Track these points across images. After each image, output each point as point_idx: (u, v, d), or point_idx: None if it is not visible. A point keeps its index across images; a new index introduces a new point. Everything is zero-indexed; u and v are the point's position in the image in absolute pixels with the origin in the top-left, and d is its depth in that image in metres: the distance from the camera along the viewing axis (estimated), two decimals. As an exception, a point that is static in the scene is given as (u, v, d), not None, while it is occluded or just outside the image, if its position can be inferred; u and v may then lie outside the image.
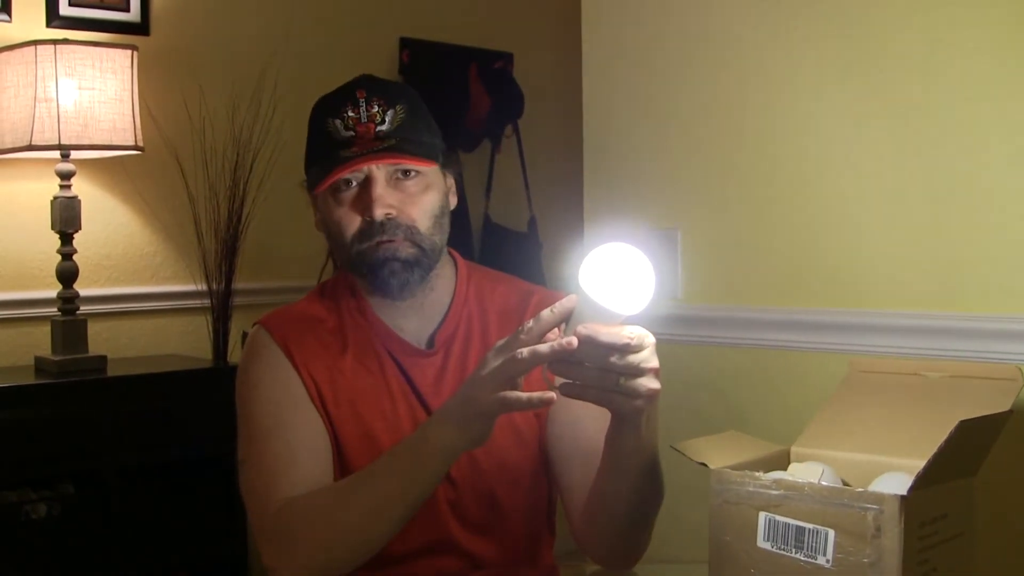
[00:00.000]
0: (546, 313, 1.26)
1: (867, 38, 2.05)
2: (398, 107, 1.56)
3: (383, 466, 1.42)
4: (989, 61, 1.91)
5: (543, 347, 1.24)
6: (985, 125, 1.91)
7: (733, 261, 2.27)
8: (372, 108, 1.55)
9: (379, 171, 1.52)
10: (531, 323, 1.26)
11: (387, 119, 1.54)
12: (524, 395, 1.27)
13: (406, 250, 1.53)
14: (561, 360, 1.25)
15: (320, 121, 1.57)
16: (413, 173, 1.54)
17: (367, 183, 1.52)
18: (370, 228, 1.52)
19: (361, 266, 1.55)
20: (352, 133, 1.53)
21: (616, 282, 1.22)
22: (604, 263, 1.23)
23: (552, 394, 1.26)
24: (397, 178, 1.54)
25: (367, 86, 1.57)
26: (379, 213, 1.51)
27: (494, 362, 1.28)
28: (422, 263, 1.55)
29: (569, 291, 1.26)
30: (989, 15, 1.91)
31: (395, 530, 1.43)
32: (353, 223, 1.54)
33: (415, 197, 1.54)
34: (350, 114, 1.54)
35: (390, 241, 1.52)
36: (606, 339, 1.22)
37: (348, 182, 1.53)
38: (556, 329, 1.27)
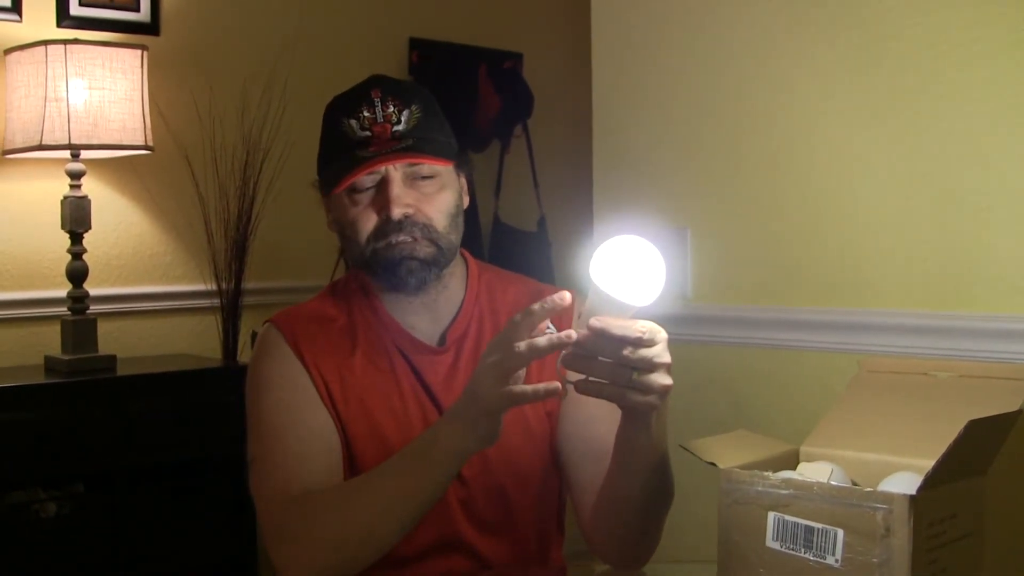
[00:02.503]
0: (536, 307, 1.25)
1: (875, 38, 2.04)
2: (413, 107, 1.56)
3: (393, 466, 1.42)
4: (997, 61, 1.90)
5: (541, 340, 1.24)
6: (994, 124, 1.91)
7: (743, 261, 2.27)
8: (388, 108, 1.55)
9: (396, 171, 1.52)
10: (518, 317, 1.26)
11: (403, 119, 1.55)
12: (528, 387, 1.27)
13: (424, 249, 1.54)
14: (574, 355, 1.25)
15: (335, 121, 1.57)
16: (429, 173, 1.55)
17: (384, 183, 1.53)
18: (387, 227, 1.52)
19: (377, 265, 1.55)
20: (368, 133, 1.54)
21: (627, 274, 1.22)
22: (615, 255, 1.22)
23: (557, 384, 1.26)
24: (413, 178, 1.54)
25: (382, 86, 1.57)
26: (397, 212, 1.51)
27: (491, 358, 1.28)
28: (439, 261, 1.56)
29: (580, 287, 1.26)
30: (997, 15, 1.90)
31: (404, 531, 1.43)
32: (369, 222, 1.54)
33: (431, 196, 1.55)
34: (366, 114, 1.54)
35: (406, 240, 1.52)
36: (619, 332, 1.21)
37: (364, 182, 1.54)
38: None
